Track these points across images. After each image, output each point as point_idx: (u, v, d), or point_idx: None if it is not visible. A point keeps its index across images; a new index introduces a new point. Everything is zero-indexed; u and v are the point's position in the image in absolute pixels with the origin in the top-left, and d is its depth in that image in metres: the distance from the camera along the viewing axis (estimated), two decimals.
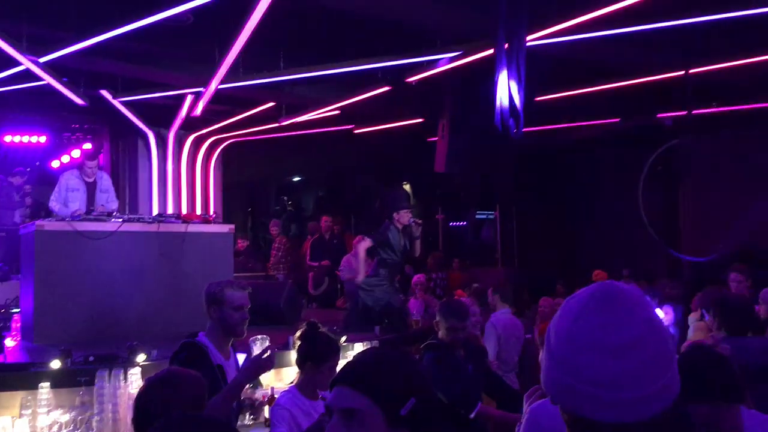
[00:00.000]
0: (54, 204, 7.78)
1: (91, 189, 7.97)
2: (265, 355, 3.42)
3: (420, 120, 11.18)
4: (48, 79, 7.97)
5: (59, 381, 5.04)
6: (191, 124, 11.36)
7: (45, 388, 4.90)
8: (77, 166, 8.41)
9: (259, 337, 5.31)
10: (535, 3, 5.98)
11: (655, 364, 1.25)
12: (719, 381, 2.31)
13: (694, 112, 8.58)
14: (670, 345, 1.30)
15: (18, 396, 4.92)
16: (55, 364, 5.15)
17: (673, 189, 12.63)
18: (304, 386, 3.59)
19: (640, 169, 10.97)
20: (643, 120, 10.98)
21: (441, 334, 4.39)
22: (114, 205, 8.14)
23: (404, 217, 7.39)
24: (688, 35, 7.70)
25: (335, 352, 3.72)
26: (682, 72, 8.28)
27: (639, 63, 9.17)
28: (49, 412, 4.88)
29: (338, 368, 3.36)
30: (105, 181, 8.21)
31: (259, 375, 3.55)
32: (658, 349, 1.26)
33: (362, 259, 7.76)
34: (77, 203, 7.80)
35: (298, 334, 3.78)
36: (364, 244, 7.69)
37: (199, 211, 11.46)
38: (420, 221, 7.56)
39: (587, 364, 1.25)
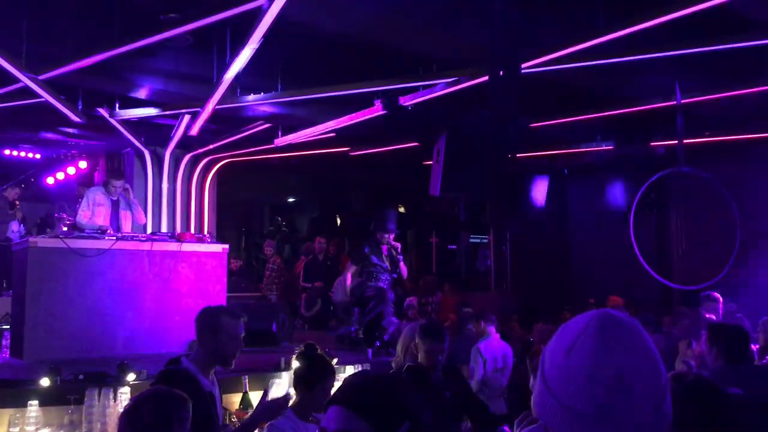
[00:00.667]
0: (81, 219, 7.78)
1: (115, 207, 8.00)
2: (283, 399, 3.49)
3: (415, 144, 11.24)
4: (46, 97, 7.99)
5: (48, 399, 5.02)
6: (187, 143, 11.39)
7: (34, 405, 4.87)
8: (102, 183, 8.46)
9: (276, 381, 5.38)
10: (531, 31, 6.07)
11: (650, 395, 1.25)
12: (711, 411, 2.32)
13: (685, 141, 8.66)
14: (665, 375, 1.30)
15: (6, 413, 4.89)
16: (45, 381, 5.13)
17: (666, 217, 12.70)
18: (298, 408, 3.59)
19: (633, 196, 11.03)
20: (636, 148, 11.07)
21: (420, 356, 4.36)
22: (144, 218, 8.56)
23: (385, 239, 8.02)
24: (681, 65, 7.80)
25: (330, 374, 3.73)
26: (674, 102, 8.37)
27: (632, 91, 9.27)
28: (37, 430, 4.84)
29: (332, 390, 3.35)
30: (130, 196, 8.27)
31: (274, 417, 3.52)
32: (652, 380, 1.27)
33: (349, 284, 8.41)
34: (101, 219, 7.82)
35: (295, 355, 3.79)
36: (351, 271, 8.43)
37: (193, 231, 11.46)
38: (396, 244, 8.11)
39: (581, 392, 1.25)
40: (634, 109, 9.43)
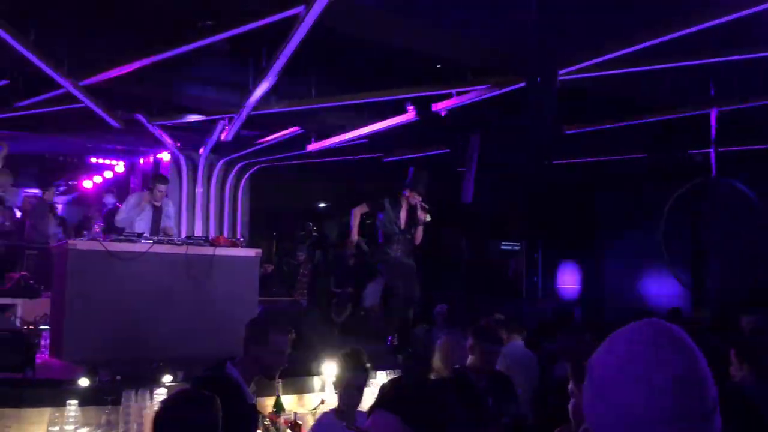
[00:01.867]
0: (121, 222, 7.88)
1: (157, 213, 8.07)
2: None
3: (447, 150, 11.25)
4: (87, 102, 8.17)
5: (86, 399, 5.11)
6: (222, 148, 11.53)
7: (73, 405, 4.97)
8: (147, 188, 8.53)
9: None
10: (567, 38, 6.06)
11: (707, 399, 1.27)
12: (747, 423, 2.30)
13: (720, 149, 8.56)
14: (713, 385, 1.31)
15: (46, 412, 4.99)
16: (83, 381, 5.23)
17: (699, 225, 12.53)
18: (339, 410, 3.66)
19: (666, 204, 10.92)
20: (672, 155, 10.94)
21: (475, 359, 4.39)
22: (176, 230, 8.34)
23: (414, 198, 7.76)
24: (717, 72, 7.72)
25: (368, 378, 3.79)
26: (710, 108, 8.29)
27: (668, 99, 9.18)
28: (76, 429, 4.94)
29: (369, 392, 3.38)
30: (170, 207, 8.34)
31: None
32: (707, 385, 1.28)
33: (355, 221, 8.20)
34: (143, 225, 7.91)
35: (338, 359, 3.84)
36: (360, 209, 8.18)
37: (226, 235, 11.59)
38: (427, 208, 7.82)
39: (640, 398, 1.27)
40: (670, 116, 9.33)
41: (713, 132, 8.39)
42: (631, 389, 1.27)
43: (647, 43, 6.39)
